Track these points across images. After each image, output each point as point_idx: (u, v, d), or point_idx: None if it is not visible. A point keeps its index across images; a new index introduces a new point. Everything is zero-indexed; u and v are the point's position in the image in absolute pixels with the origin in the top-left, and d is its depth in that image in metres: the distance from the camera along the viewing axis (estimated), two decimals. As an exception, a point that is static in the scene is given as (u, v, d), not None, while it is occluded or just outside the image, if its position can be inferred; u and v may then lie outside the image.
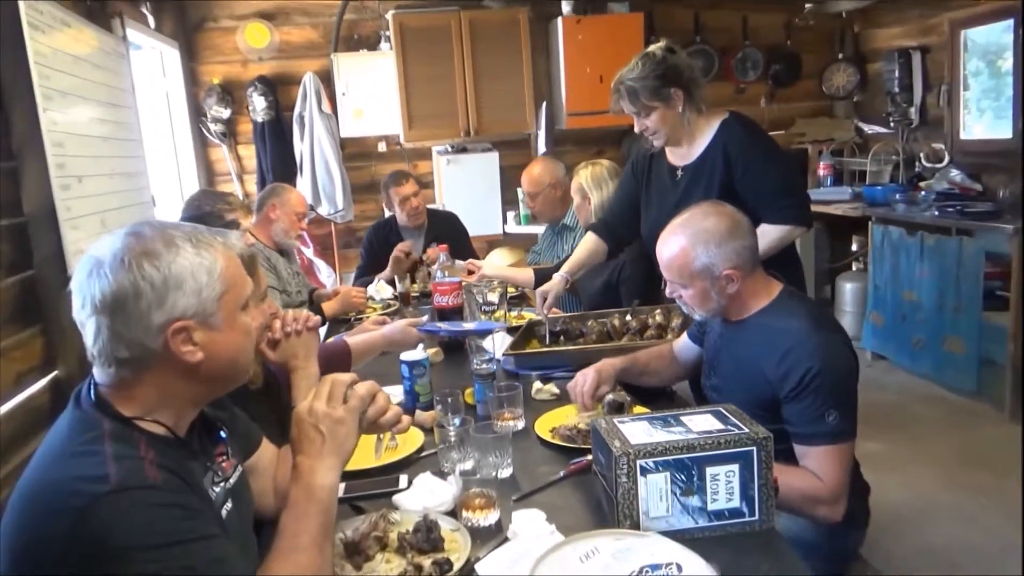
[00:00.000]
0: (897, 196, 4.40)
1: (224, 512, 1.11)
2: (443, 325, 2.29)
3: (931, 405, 3.97)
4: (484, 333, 2.15)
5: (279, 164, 4.93)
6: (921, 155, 4.72)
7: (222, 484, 1.13)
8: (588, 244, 2.59)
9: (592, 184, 2.97)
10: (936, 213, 4.04)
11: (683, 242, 1.67)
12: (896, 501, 3.00)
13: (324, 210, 5.01)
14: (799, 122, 5.53)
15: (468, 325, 2.29)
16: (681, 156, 2.29)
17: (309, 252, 5.03)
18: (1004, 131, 4.25)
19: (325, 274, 5.08)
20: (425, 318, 2.30)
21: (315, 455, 1.07)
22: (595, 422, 1.39)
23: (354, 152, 5.16)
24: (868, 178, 5.02)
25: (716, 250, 1.64)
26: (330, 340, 2.18)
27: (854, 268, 5.04)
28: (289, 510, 1.05)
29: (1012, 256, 3.56)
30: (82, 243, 2.38)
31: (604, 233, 2.57)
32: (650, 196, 2.40)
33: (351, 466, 1.62)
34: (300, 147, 4.94)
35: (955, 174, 4.31)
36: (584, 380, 1.81)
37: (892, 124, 4.93)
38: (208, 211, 2.33)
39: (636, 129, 2.27)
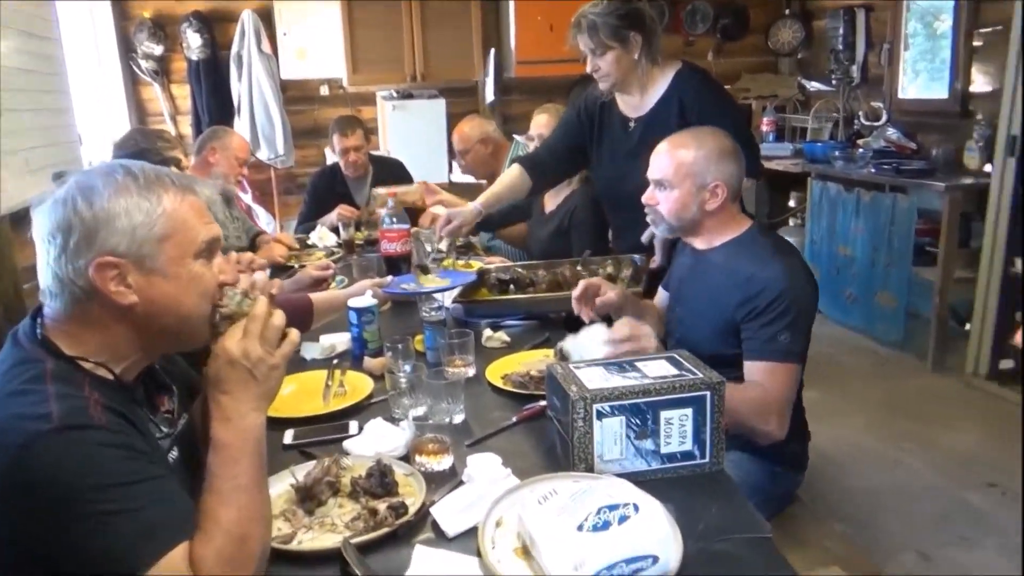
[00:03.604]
0: (836, 153, 4.48)
1: (170, 460, 1.07)
2: (409, 286, 2.23)
3: (860, 356, 4.12)
4: (452, 290, 2.11)
5: (215, 105, 4.74)
6: (860, 113, 4.81)
7: (167, 431, 1.10)
8: (510, 178, 2.47)
9: None
10: (873, 170, 4.14)
11: (688, 143, 1.74)
12: (826, 446, 3.13)
13: (263, 155, 4.85)
14: (744, 77, 5.56)
15: (437, 281, 2.23)
16: (634, 107, 2.27)
17: (248, 198, 4.86)
18: (937, 92, 4.36)
19: (264, 221, 4.94)
20: (390, 278, 2.25)
21: (247, 400, 1.02)
22: (551, 367, 1.38)
23: (295, 95, 4.99)
24: (809, 135, 5.11)
25: (715, 162, 1.71)
26: (294, 294, 2.12)
27: (791, 223, 5.16)
28: (220, 452, 1.00)
29: (943, 213, 3.68)
30: (7, 181, 2.24)
31: (532, 168, 2.46)
32: (601, 146, 2.38)
33: (299, 412, 1.61)
34: (238, 88, 4.75)
35: (892, 132, 4.40)
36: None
37: (834, 82, 5.00)
38: (145, 148, 2.21)
39: (588, 69, 2.23)
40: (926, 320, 3.93)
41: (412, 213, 3.05)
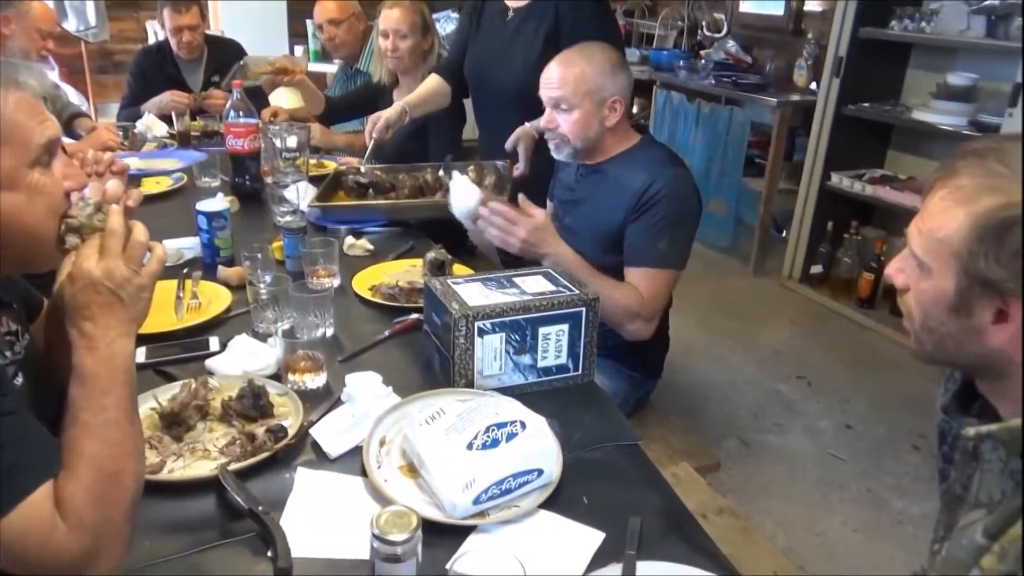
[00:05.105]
0: (680, 62, 4.61)
1: (16, 387, 0.96)
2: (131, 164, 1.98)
3: (691, 259, 4.38)
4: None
5: (7, -39, 4.05)
6: (704, 23, 4.95)
7: (10, 356, 0.98)
8: (432, 84, 2.49)
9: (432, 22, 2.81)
10: (713, 82, 4.32)
11: (582, 63, 1.71)
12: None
13: (71, 26, 4.26)
14: (595, -22, 5.52)
15: (168, 162, 2.03)
16: None
17: (54, 75, 4.29)
18: (773, 8, 4.55)
19: (75, 103, 4.40)
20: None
21: (113, 325, 0.93)
22: (429, 282, 1.36)
23: (108, -43, 4.38)
24: (656, 42, 5.20)
25: (610, 75, 1.71)
26: None
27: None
28: (87, 384, 0.91)
29: (772, 127, 3.94)
30: None
31: (448, 76, 2.47)
32: (479, 32, 2.35)
33: (149, 328, 1.49)
34: (35, -57, 4.08)
35: (731, 45, 4.59)
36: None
37: (681, -11, 5.09)
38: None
39: None
40: (750, 227, 4.26)
41: (257, 98, 2.84)
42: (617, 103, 1.73)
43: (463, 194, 1.65)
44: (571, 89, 1.70)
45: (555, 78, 1.72)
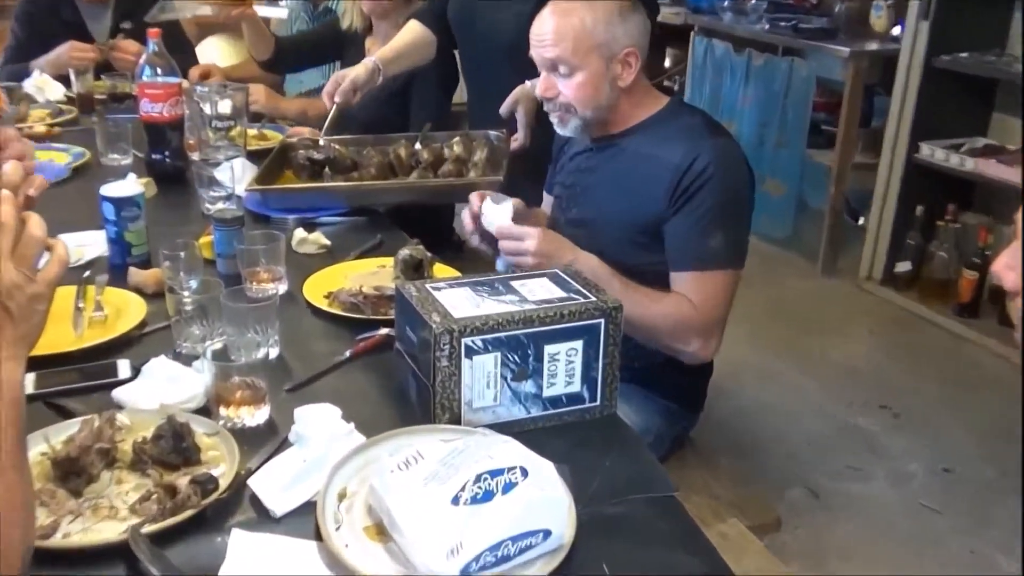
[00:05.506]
0: (725, 3, 4.63)
1: None
2: None
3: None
4: None
5: None
6: (754, -47, 4.97)
7: None
8: (411, 33, 2.50)
9: None
10: (767, 27, 4.34)
11: (582, 9, 1.70)
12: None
13: (-61, -41, 4.27)
14: None
15: None
16: None
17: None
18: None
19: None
20: None
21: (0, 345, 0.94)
22: (403, 288, 1.36)
23: None
24: (693, -24, 5.22)
25: (619, 21, 1.70)
26: None
27: (665, 86, 5.33)
28: None
29: (844, 85, 3.94)
30: None
31: (432, 22, 2.49)
32: None
33: (41, 349, 1.48)
34: None
35: (790, -20, 4.61)
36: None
37: (725, -90, 5.11)
38: None
39: None
40: (817, 213, 4.27)
41: (181, 52, 2.83)
42: (631, 56, 1.72)
43: (494, 214, 1.69)
44: (570, 45, 1.69)
45: (548, 32, 1.71)
